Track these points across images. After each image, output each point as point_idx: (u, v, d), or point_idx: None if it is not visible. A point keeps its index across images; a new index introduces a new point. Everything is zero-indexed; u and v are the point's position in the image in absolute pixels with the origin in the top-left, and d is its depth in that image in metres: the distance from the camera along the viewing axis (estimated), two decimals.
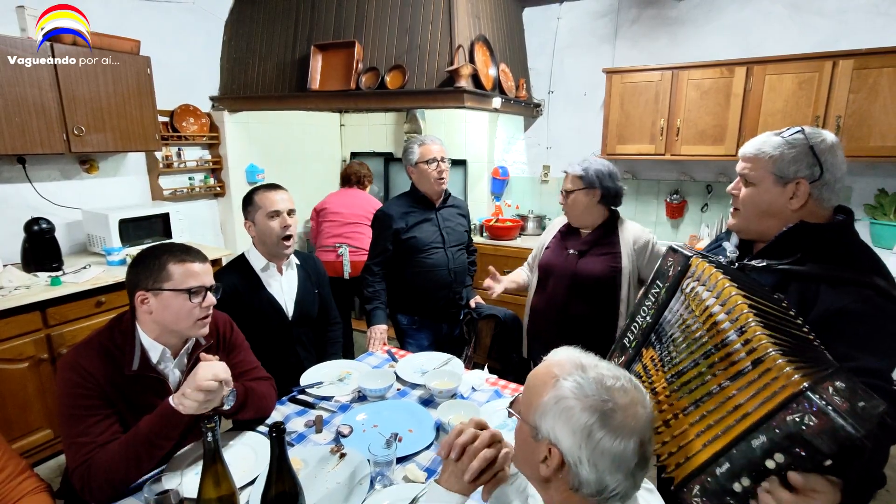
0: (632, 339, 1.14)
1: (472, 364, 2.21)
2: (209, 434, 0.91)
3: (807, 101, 2.72)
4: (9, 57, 2.30)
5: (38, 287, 2.31)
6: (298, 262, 1.93)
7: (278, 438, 0.93)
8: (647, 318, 1.10)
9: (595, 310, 1.83)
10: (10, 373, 2.19)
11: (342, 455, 1.26)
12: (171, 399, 1.15)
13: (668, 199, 3.52)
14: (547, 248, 1.98)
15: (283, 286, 1.86)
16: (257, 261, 1.82)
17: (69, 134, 2.55)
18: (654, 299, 1.10)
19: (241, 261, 1.84)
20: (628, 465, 0.69)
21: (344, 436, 1.36)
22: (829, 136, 1.07)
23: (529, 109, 3.77)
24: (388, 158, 4.44)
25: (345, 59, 3.08)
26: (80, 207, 2.89)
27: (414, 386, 1.65)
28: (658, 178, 3.56)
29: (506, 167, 4.08)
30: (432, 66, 2.90)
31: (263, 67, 3.48)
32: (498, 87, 3.14)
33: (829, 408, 0.70)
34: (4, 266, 2.37)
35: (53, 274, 2.43)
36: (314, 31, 3.28)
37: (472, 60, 2.85)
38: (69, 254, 2.85)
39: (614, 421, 0.69)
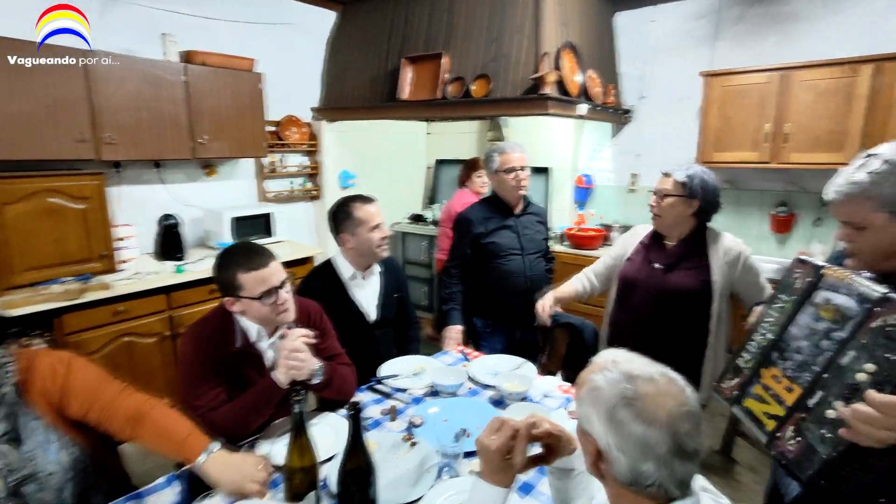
0: (748, 358, 1.08)
1: (545, 372, 2.18)
2: (297, 406, 1.02)
3: None
4: (155, 77, 2.71)
5: (166, 274, 2.68)
6: (381, 269, 1.98)
7: (355, 416, 1.01)
8: (768, 335, 1.04)
9: (682, 326, 1.74)
10: (141, 346, 2.56)
11: (413, 443, 1.33)
12: (272, 374, 1.31)
13: (773, 212, 3.22)
14: (628, 259, 1.91)
15: (367, 293, 1.93)
16: (345, 270, 1.89)
17: (195, 142, 2.93)
18: (776, 314, 1.04)
19: (328, 267, 1.91)
20: (656, 451, 0.69)
21: (416, 426, 1.42)
22: None
23: (618, 116, 3.65)
24: None
25: (433, 70, 3.22)
26: (201, 206, 3.30)
27: (485, 386, 1.68)
28: (762, 189, 3.27)
29: (590, 175, 3.97)
30: (517, 74, 2.93)
31: (359, 80, 3.73)
32: (584, 94, 3.09)
33: None
34: (141, 255, 2.78)
35: (178, 263, 2.81)
36: (406, 45, 3.46)
37: (558, 67, 2.83)
38: (191, 247, 3.26)
39: (636, 406, 0.71)
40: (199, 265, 2.81)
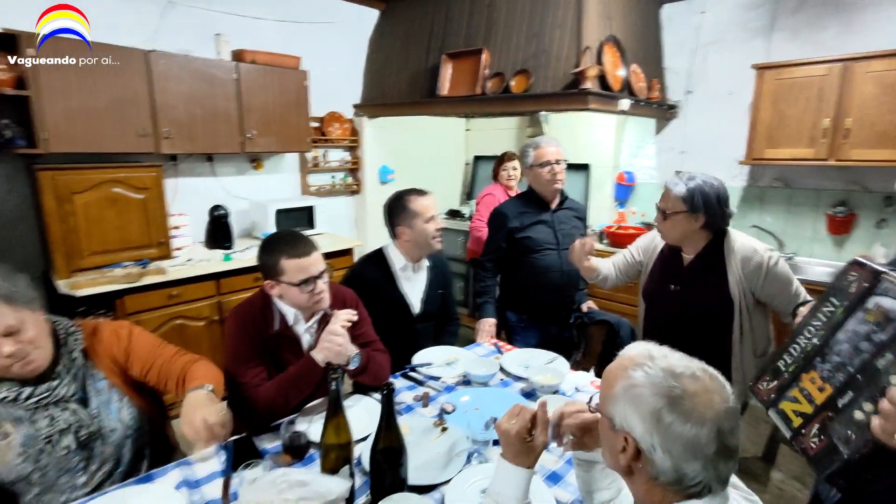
0: (789, 362, 1.03)
1: (579, 368, 2.17)
2: (333, 383, 1.06)
3: None
4: (209, 75, 2.86)
5: (216, 261, 2.84)
6: (429, 264, 2.02)
7: (388, 397, 1.05)
8: (814, 339, 0.99)
9: (705, 340, 1.68)
10: (192, 328, 2.72)
11: (444, 429, 1.35)
12: (311, 353, 1.38)
13: (829, 212, 3.04)
14: (649, 273, 1.87)
15: (414, 285, 1.97)
16: (397, 260, 1.93)
17: (244, 137, 3.07)
18: (825, 319, 0.98)
19: (380, 256, 1.95)
20: (704, 452, 0.67)
21: (447, 412, 1.45)
22: None
23: (662, 111, 3.54)
24: None
25: (472, 66, 3.23)
26: (248, 198, 3.45)
27: (517, 378, 1.69)
28: (817, 188, 3.09)
29: (632, 172, 3.88)
30: (558, 70, 2.90)
31: (399, 77, 3.79)
32: (627, 89, 3.02)
33: None
34: (193, 243, 2.95)
35: (226, 252, 2.95)
36: (446, 41, 3.48)
37: (600, 62, 2.79)
38: (238, 237, 3.41)
39: (683, 406, 0.68)
40: (246, 254, 2.95)
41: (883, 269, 0.91)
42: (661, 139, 3.75)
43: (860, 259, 0.97)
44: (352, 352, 1.43)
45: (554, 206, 2.23)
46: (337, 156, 4.01)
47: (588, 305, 2.34)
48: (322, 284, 1.44)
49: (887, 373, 0.79)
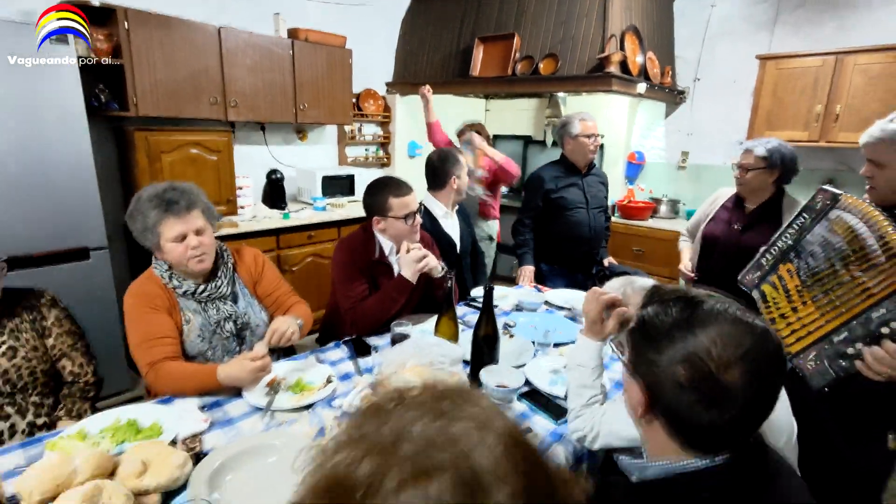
0: (770, 258, 1.33)
1: None
2: (449, 282, 1.42)
3: None
4: (269, 51, 3.15)
5: (275, 219, 3.17)
6: (457, 209, 2.42)
7: (489, 294, 1.41)
8: (788, 241, 1.28)
9: None
10: None
11: (511, 336, 1.73)
12: (401, 273, 1.72)
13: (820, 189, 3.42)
14: (711, 220, 2.24)
15: (453, 227, 2.35)
16: (438, 208, 2.31)
17: (297, 108, 3.38)
18: (797, 227, 1.26)
19: (423, 207, 2.28)
20: None
21: (511, 326, 1.83)
22: None
23: (672, 96, 3.90)
24: (528, 141, 4.84)
25: (504, 49, 3.55)
26: (294, 166, 3.77)
27: (559, 308, 2.06)
28: (812, 168, 3.47)
29: (642, 152, 4.24)
30: (583, 54, 3.23)
31: (431, 58, 4.09)
32: (644, 74, 3.36)
33: None
34: (254, 203, 3.27)
35: (284, 211, 3.28)
36: (478, 25, 3.79)
37: (622, 48, 3.12)
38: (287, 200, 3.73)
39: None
40: (301, 214, 3.28)
41: (841, 192, 1.22)
42: (670, 122, 4.11)
43: (824, 187, 1.27)
44: (435, 264, 1.76)
45: (583, 171, 2.59)
46: (371, 130, 4.32)
47: (609, 260, 2.72)
48: (420, 217, 1.80)
49: (880, 322, 1.07)
